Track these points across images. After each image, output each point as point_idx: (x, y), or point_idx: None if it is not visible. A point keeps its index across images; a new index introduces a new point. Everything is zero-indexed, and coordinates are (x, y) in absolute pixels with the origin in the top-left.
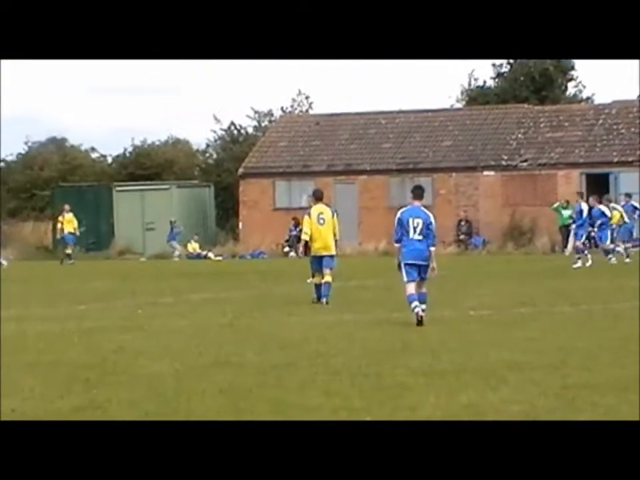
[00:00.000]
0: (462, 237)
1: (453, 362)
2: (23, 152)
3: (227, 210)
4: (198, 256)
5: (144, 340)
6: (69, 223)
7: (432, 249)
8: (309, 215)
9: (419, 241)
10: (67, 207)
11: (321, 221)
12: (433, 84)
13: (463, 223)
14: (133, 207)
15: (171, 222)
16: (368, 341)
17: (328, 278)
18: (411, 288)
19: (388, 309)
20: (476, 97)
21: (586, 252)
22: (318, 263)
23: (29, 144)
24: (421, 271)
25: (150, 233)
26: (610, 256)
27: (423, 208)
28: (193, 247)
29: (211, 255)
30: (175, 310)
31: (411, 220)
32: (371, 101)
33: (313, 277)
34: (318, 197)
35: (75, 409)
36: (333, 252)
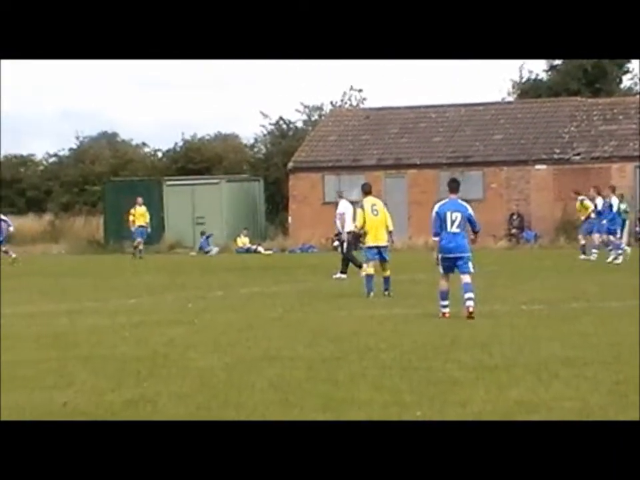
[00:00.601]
0: (513, 231)
1: (504, 357)
2: (74, 147)
3: (277, 204)
4: (247, 250)
5: (194, 334)
6: (140, 216)
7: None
8: (362, 207)
9: (456, 234)
10: (139, 199)
11: (375, 212)
12: (484, 77)
13: (514, 217)
14: (183, 202)
15: (202, 233)
16: (418, 335)
17: (386, 272)
18: (443, 283)
19: (438, 304)
20: (528, 90)
21: (622, 246)
22: (374, 253)
23: (81, 139)
24: (458, 263)
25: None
26: None
27: (460, 201)
28: (243, 241)
29: (260, 249)
30: (224, 304)
31: (449, 213)
32: (421, 94)
33: (360, 267)
34: (366, 190)
35: (125, 402)
36: (386, 243)
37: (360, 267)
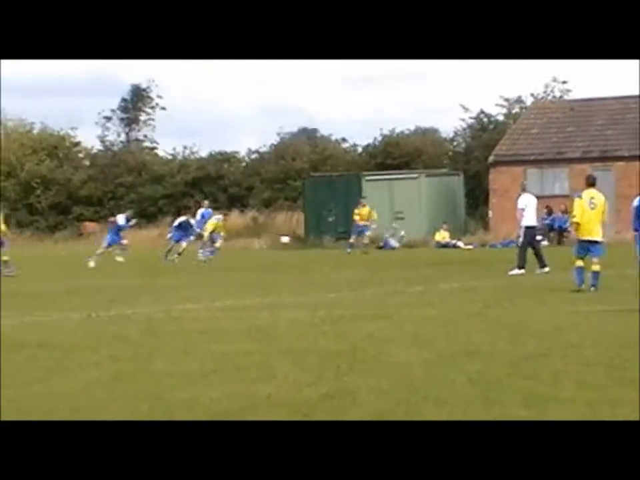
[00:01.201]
0: None
1: None
2: (275, 143)
3: (477, 198)
4: (446, 245)
5: (393, 328)
6: (365, 215)
7: None
8: (580, 197)
9: None
10: (362, 200)
11: (592, 206)
12: None
13: None
14: (381, 196)
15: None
16: (623, 332)
17: (595, 267)
18: None
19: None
20: None
21: None
22: (584, 248)
23: (281, 135)
24: None
25: (399, 222)
26: None
27: None
28: (442, 235)
29: (460, 243)
30: (423, 299)
31: None
32: (628, 84)
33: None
34: (590, 182)
35: (325, 396)
36: (599, 238)
37: (520, 267)
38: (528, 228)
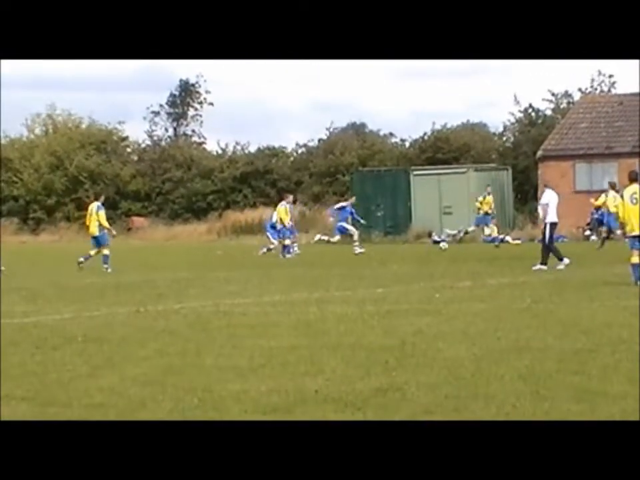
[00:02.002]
0: None
1: None
2: (324, 138)
3: (525, 193)
4: (494, 240)
5: (442, 324)
6: (486, 204)
7: None
8: (622, 196)
9: None
10: (488, 189)
11: (634, 201)
12: None
13: None
14: (430, 191)
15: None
16: None
17: (635, 259)
18: None
19: None
20: None
21: None
22: (634, 242)
23: (330, 130)
24: None
25: (447, 217)
26: None
27: None
28: (491, 230)
29: (508, 238)
30: (472, 294)
31: None
32: None
33: (560, 260)
34: (632, 177)
35: (374, 390)
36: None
37: (560, 259)
38: (552, 224)
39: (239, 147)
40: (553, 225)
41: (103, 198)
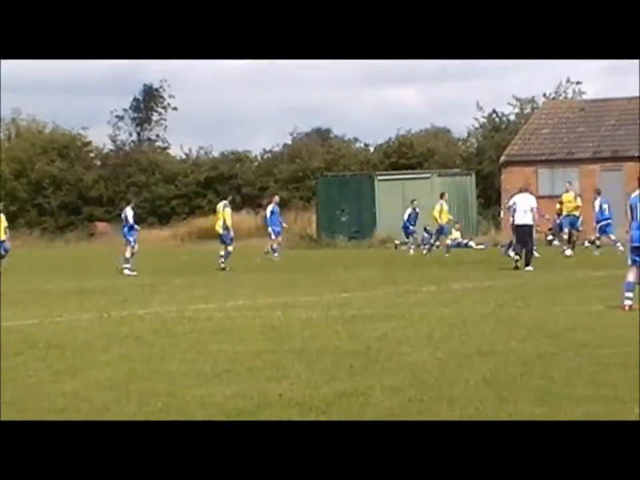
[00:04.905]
0: None
1: None
2: (289, 143)
3: (489, 198)
4: (458, 244)
5: (406, 328)
6: (569, 202)
7: None
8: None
9: None
10: (568, 185)
11: None
12: None
13: None
14: (394, 196)
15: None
16: (636, 331)
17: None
18: (630, 275)
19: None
20: None
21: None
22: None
23: (295, 135)
24: None
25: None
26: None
27: None
28: (454, 235)
29: (472, 243)
30: (436, 298)
31: (639, 204)
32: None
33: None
34: None
35: (339, 394)
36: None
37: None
38: (518, 226)
39: (202, 152)
40: (518, 227)
41: (230, 197)
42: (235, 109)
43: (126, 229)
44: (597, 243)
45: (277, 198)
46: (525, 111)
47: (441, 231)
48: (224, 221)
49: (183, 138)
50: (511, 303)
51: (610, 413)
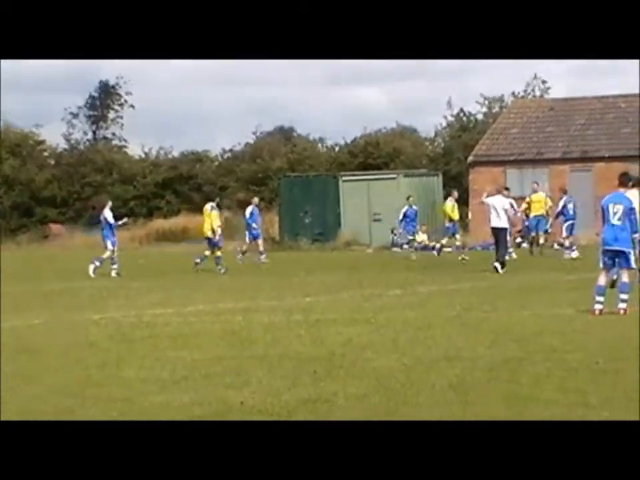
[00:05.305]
0: None
1: None
2: (251, 142)
3: (457, 199)
4: (425, 247)
5: (371, 333)
6: (537, 203)
7: (635, 235)
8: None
9: (617, 226)
10: (535, 185)
11: None
12: None
13: None
14: (359, 197)
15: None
16: (606, 336)
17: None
18: (601, 278)
19: (630, 303)
20: None
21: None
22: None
23: (257, 134)
24: (619, 258)
25: (376, 223)
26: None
27: (627, 194)
28: (421, 238)
29: (438, 246)
30: (402, 302)
31: (611, 206)
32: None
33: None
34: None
35: (302, 401)
36: None
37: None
38: (492, 229)
39: (162, 152)
40: (492, 230)
41: (217, 199)
42: (195, 107)
43: (106, 231)
44: (566, 243)
45: (256, 200)
46: (494, 110)
47: (452, 230)
48: (211, 223)
49: (141, 137)
50: (478, 307)
51: (576, 417)
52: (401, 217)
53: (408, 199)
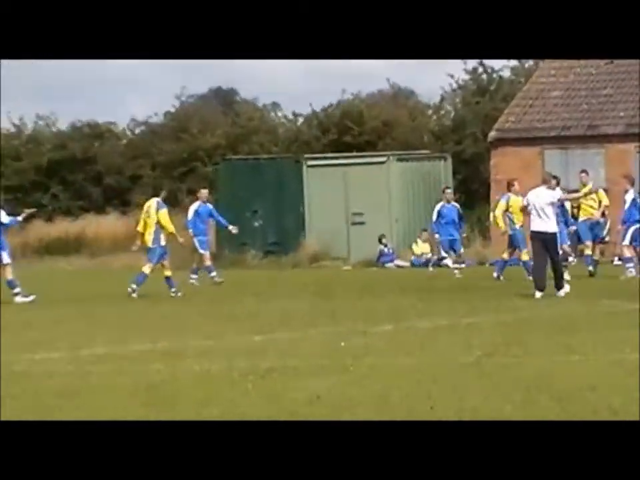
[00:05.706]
0: None
1: None
2: (173, 110)
3: (472, 194)
4: (428, 262)
5: (349, 387)
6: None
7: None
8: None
9: None
10: (583, 175)
11: None
12: None
13: None
14: (332, 190)
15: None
16: None
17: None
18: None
19: None
20: None
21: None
22: None
23: (183, 99)
24: None
25: (357, 228)
26: None
27: None
28: (421, 248)
29: (447, 261)
30: (394, 342)
31: None
32: None
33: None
34: None
35: None
36: None
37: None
38: (533, 235)
39: (41, 122)
40: (532, 236)
41: (163, 193)
42: (91, 64)
43: None
44: (627, 254)
45: (204, 192)
46: (526, 65)
47: (518, 242)
48: (161, 227)
49: (10, 103)
50: (504, 349)
51: None
52: (434, 217)
53: (444, 191)
